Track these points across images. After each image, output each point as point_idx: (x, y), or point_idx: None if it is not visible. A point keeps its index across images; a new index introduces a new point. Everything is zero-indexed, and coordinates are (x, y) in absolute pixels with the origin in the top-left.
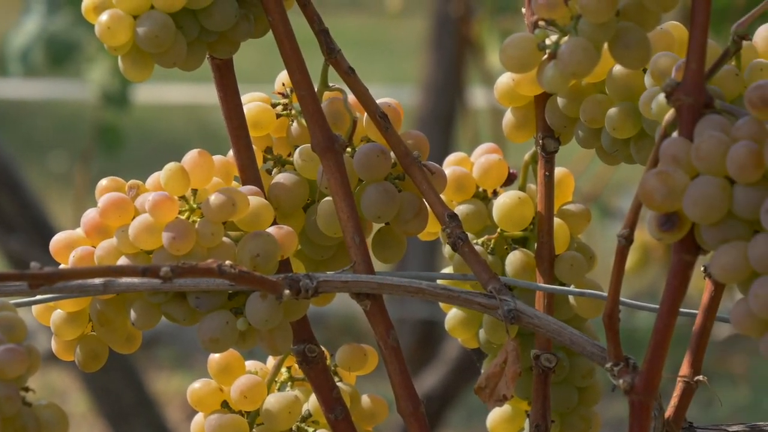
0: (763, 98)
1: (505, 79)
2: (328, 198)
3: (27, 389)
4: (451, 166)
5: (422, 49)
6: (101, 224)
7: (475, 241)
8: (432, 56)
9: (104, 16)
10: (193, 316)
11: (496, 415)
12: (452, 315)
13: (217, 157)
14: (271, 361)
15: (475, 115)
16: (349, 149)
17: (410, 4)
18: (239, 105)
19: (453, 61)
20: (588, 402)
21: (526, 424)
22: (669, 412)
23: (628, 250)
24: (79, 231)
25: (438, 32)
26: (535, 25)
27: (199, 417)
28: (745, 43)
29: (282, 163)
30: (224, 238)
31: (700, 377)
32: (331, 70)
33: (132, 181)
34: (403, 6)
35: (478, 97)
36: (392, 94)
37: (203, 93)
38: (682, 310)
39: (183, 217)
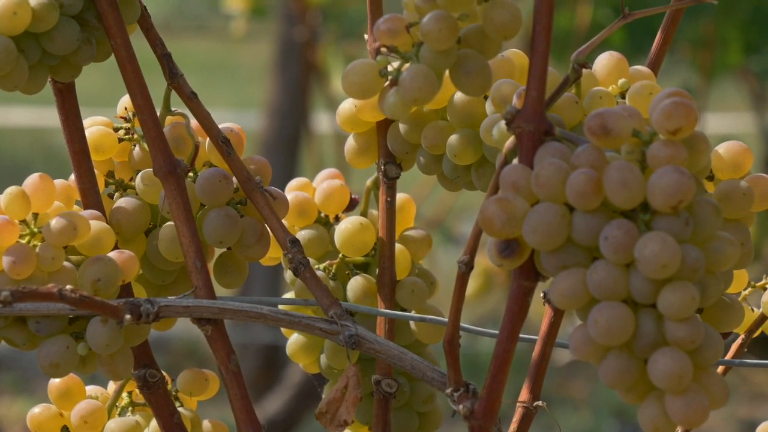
0: (603, 126)
1: (347, 105)
2: (170, 223)
3: None
4: (293, 191)
5: (267, 74)
6: None
7: (316, 267)
8: (277, 81)
9: None
10: (33, 341)
11: None
12: (293, 340)
13: (58, 181)
14: (112, 385)
15: (320, 140)
16: (191, 174)
17: (255, 28)
18: (81, 129)
19: (298, 85)
20: (428, 427)
21: None
22: None
23: (468, 276)
24: None
25: (283, 57)
26: (377, 52)
27: None
28: (585, 71)
29: (124, 188)
30: (65, 263)
31: (540, 402)
32: (174, 94)
33: None
34: (248, 30)
35: (322, 121)
36: (237, 118)
37: (47, 116)
38: (522, 335)
39: (23, 242)
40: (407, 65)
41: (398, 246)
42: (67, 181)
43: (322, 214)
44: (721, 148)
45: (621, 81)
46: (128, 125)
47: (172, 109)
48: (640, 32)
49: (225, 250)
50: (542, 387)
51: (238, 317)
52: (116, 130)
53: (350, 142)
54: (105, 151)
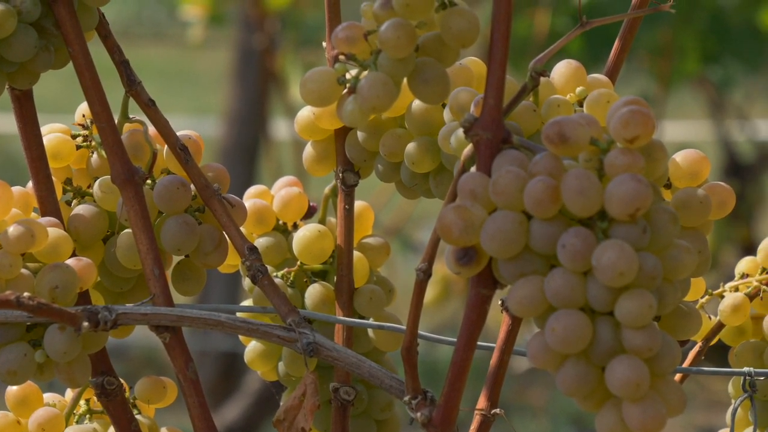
0: (560, 134)
1: (305, 113)
2: (128, 230)
3: None
4: (251, 198)
5: (226, 81)
6: None
7: (274, 274)
8: (235, 88)
9: None
10: None
11: None
12: (251, 348)
13: (16, 188)
14: (70, 393)
15: (278, 147)
16: (149, 181)
17: (214, 35)
18: (39, 136)
19: (256, 93)
20: None
21: None
22: None
23: (426, 284)
24: None
25: (241, 64)
26: (336, 60)
27: None
28: (542, 79)
29: (82, 195)
30: (23, 270)
31: (498, 410)
32: (133, 101)
33: None
34: (206, 37)
35: (281, 129)
36: (196, 125)
37: (4, 122)
38: (480, 343)
39: None
40: (365, 73)
41: (356, 254)
42: (25, 188)
43: (281, 222)
44: (679, 156)
45: (579, 89)
46: (86, 132)
47: (130, 116)
48: (598, 41)
49: (183, 257)
50: (500, 394)
51: (196, 325)
52: (74, 137)
53: (308, 150)
54: (63, 158)
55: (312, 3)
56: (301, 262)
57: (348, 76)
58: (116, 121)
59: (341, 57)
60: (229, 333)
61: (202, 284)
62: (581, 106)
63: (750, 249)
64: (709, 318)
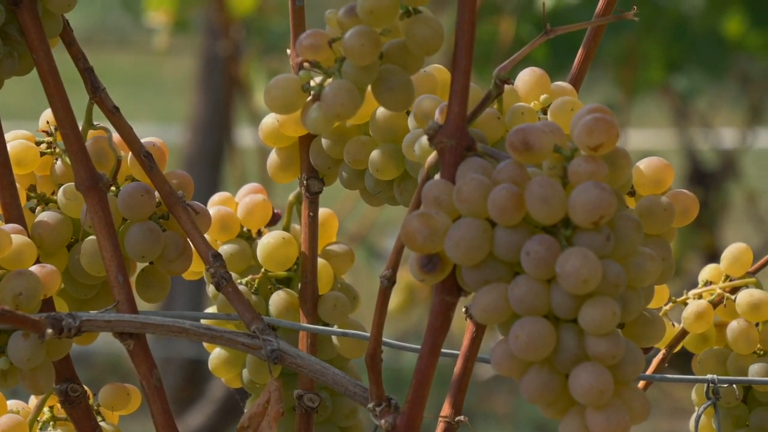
0: (524, 142)
1: (269, 120)
2: (92, 237)
3: None
4: (215, 205)
5: (190, 88)
6: None
7: (239, 281)
8: (200, 95)
9: None
10: None
11: None
12: (216, 355)
13: None
14: (34, 400)
15: (243, 155)
16: (113, 188)
17: (178, 42)
18: (2, 142)
19: (221, 100)
20: None
21: None
22: None
23: (390, 291)
24: None
25: (206, 71)
26: (300, 67)
27: None
28: (506, 86)
29: (46, 202)
30: None
31: (462, 417)
32: (97, 108)
33: None
34: (171, 44)
35: (245, 136)
36: (160, 132)
37: None
38: (444, 350)
39: None
40: (330, 80)
41: (321, 261)
42: None
43: (245, 229)
44: (643, 164)
45: (543, 97)
46: (50, 139)
47: (95, 123)
48: (563, 48)
49: (147, 264)
50: (464, 401)
51: (160, 332)
52: (38, 143)
53: (273, 157)
54: (27, 165)
55: (277, 10)
56: (265, 269)
57: (312, 83)
58: (80, 128)
59: (306, 64)
60: (193, 340)
61: (166, 291)
62: (545, 113)
63: (713, 256)
64: (673, 325)
